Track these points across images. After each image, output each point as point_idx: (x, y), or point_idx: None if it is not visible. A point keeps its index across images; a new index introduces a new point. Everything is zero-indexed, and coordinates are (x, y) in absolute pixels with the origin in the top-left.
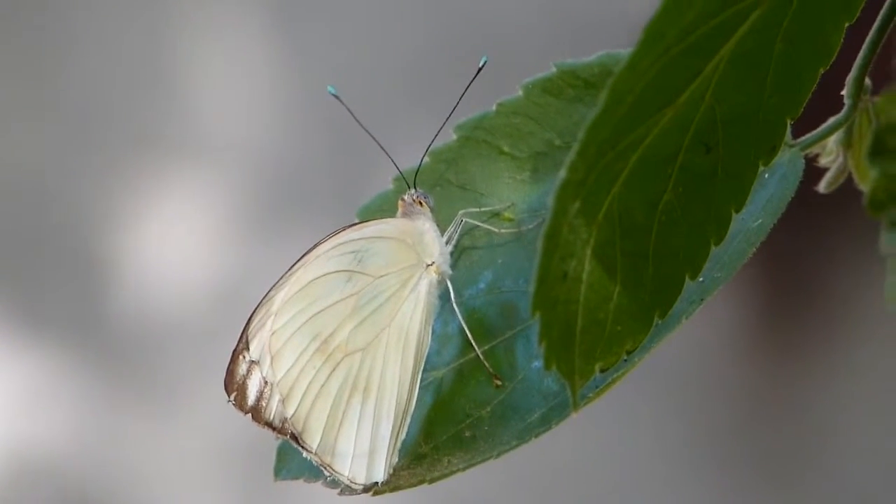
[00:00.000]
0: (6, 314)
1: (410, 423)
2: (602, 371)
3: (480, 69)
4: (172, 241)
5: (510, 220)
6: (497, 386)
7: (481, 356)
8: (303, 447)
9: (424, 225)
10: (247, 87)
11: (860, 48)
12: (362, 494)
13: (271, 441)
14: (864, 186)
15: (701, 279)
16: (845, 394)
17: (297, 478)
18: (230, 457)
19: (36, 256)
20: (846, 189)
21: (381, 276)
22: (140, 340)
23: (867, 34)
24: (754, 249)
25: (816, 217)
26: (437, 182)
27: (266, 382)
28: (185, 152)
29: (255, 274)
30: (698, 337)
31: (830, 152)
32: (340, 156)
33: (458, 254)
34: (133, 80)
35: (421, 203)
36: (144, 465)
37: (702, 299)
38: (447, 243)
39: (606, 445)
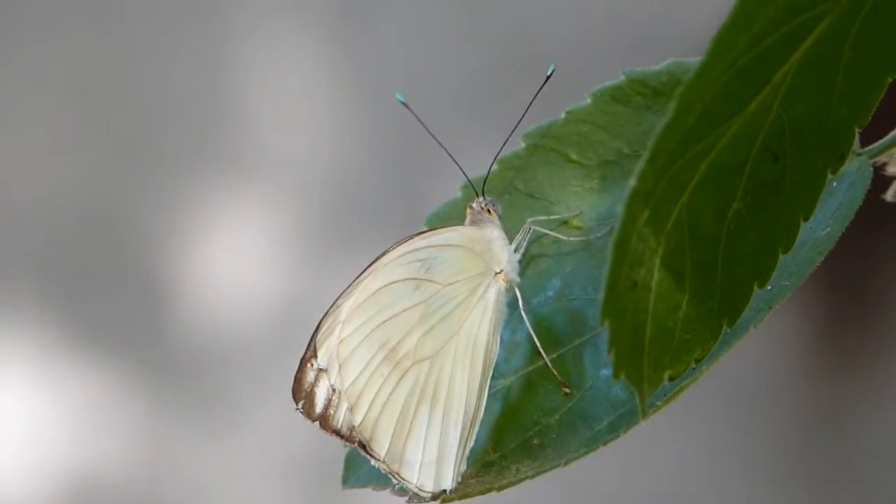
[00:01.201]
0: (68, 332)
1: (479, 430)
2: (671, 379)
3: (549, 77)
4: (233, 257)
5: (578, 228)
6: (565, 394)
7: (549, 364)
8: (371, 455)
9: (493, 233)
10: (306, 101)
11: None
12: (431, 502)
13: (332, 457)
14: None
15: (769, 287)
16: None
17: (365, 485)
18: (291, 473)
19: (98, 274)
20: None
21: (450, 284)
22: (202, 357)
23: None
24: (822, 258)
25: (881, 228)
26: (506, 190)
27: (334, 390)
28: (245, 168)
29: (317, 290)
30: (757, 354)
31: None
32: (401, 169)
33: (526, 262)
34: (192, 96)
35: (489, 211)
36: (206, 481)
37: (770, 307)
38: (515, 251)
39: (661, 462)
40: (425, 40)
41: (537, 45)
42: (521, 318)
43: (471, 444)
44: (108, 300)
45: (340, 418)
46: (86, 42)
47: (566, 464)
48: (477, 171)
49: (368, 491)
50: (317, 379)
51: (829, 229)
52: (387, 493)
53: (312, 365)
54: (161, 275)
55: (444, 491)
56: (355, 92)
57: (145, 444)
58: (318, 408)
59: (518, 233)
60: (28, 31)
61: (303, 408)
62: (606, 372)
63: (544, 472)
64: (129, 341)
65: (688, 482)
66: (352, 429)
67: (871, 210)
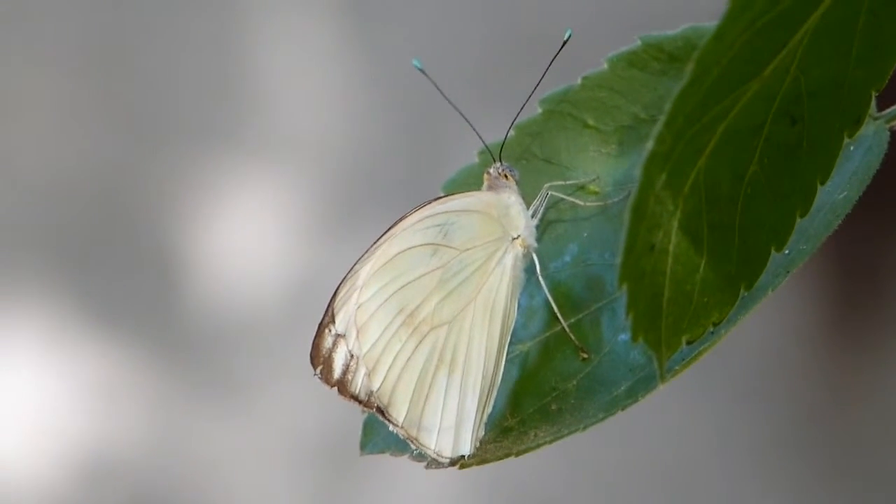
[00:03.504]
0: (82, 311)
1: (497, 396)
2: (689, 343)
3: (566, 42)
4: (246, 236)
5: (596, 193)
6: (583, 359)
7: (567, 329)
8: (389, 421)
9: (510, 198)
10: (318, 80)
11: None
12: (449, 468)
13: (344, 435)
14: None
15: (787, 251)
16: None
17: (383, 451)
18: (303, 451)
19: (112, 253)
20: None
21: (467, 250)
22: (214, 336)
23: None
24: (839, 221)
25: (894, 204)
26: (523, 155)
27: (352, 356)
28: (258, 146)
29: (329, 269)
30: (767, 332)
31: None
32: (415, 150)
33: (543, 227)
34: (205, 77)
35: (506, 176)
36: (218, 460)
37: (787, 271)
38: (533, 216)
39: (670, 441)
40: (439, 14)
41: (554, 16)
42: (539, 283)
43: (489, 409)
44: (120, 279)
45: (358, 384)
46: (97, 20)
47: (584, 429)
48: (494, 140)
49: (383, 465)
50: (335, 344)
51: (845, 193)
52: (405, 459)
53: (330, 330)
54: (174, 253)
55: (463, 456)
56: (367, 69)
57: (157, 423)
58: (336, 373)
59: (535, 198)
60: (38, 9)
61: (321, 373)
62: (624, 336)
63: (563, 437)
64: (142, 320)
65: (696, 460)
66: (370, 394)
67: (883, 186)
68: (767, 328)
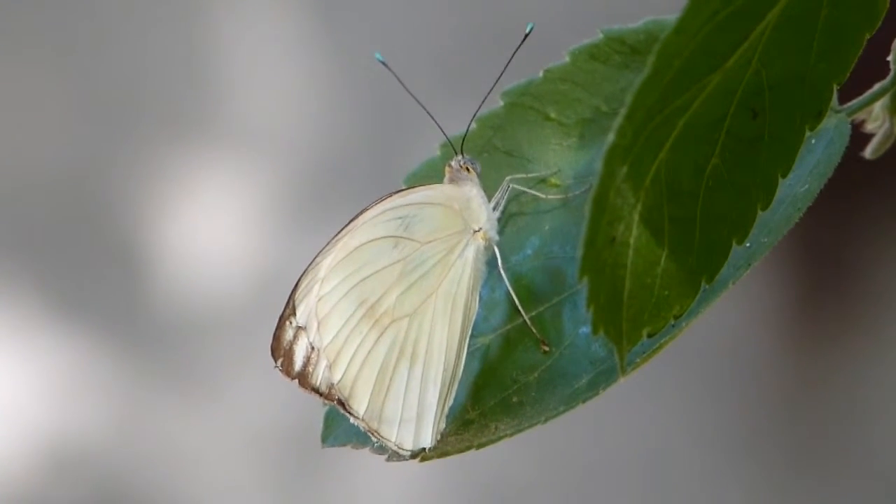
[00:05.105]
0: (47, 303)
1: (458, 389)
2: (650, 336)
3: (527, 35)
4: (213, 228)
5: (557, 185)
6: (544, 352)
7: (528, 322)
8: (350, 413)
9: (471, 191)
10: (286, 72)
11: None
12: (410, 460)
13: (309, 426)
14: None
15: (748, 244)
16: (884, 379)
17: (344, 444)
18: (269, 442)
19: (76, 245)
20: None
21: (429, 242)
22: (179, 328)
23: None
24: (801, 214)
25: (857, 194)
26: (484, 148)
27: (313, 348)
28: (223, 139)
29: (296, 261)
30: (735, 320)
31: (877, 118)
32: (380, 140)
33: (504, 220)
34: (170, 67)
35: (468, 169)
36: (184, 450)
37: (749, 264)
38: (494, 209)
39: (640, 430)
40: (406, 6)
41: (517, 8)
42: (500, 276)
43: (450, 402)
44: (85, 270)
45: (319, 376)
46: (61, 10)
47: (545, 421)
48: (458, 132)
49: (346, 457)
50: (295, 337)
51: (807, 186)
52: (366, 451)
53: (291, 322)
54: (139, 245)
55: (424, 449)
56: (334, 61)
57: (123, 414)
58: (297, 365)
59: (497, 191)
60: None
61: (282, 366)
62: (585, 329)
63: (523, 430)
64: (106, 311)
65: (666, 450)
66: (331, 386)
67: (847, 175)
68: (738, 315)
